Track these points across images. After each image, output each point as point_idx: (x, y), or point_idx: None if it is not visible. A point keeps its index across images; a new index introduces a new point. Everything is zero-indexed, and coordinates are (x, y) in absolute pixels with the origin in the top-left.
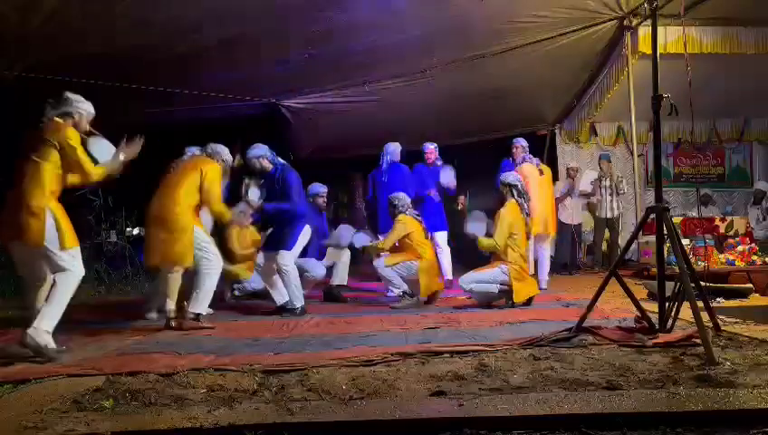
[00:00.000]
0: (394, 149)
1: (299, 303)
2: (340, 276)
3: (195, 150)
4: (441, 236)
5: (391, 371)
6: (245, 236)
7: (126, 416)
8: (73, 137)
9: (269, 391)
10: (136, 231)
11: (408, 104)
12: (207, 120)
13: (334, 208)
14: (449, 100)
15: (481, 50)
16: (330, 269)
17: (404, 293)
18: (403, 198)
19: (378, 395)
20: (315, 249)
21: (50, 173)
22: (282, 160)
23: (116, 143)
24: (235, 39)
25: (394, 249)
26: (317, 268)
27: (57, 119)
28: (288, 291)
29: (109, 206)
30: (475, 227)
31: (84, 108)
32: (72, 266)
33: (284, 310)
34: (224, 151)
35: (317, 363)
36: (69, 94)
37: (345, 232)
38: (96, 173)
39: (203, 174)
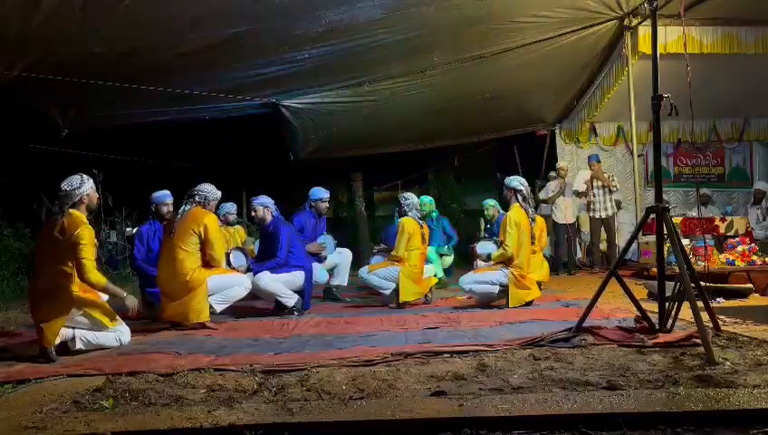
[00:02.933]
0: None
1: (291, 301)
2: (341, 277)
3: (167, 197)
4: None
5: (391, 371)
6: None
7: (126, 416)
8: (86, 236)
9: (269, 391)
10: (135, 231)
11: (407, 104)
12: (207, 120)
13: (334, 208)
14: (449, 100)
15: (481, 50)
16: (330, 270)
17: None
18: (410, 198)
19: (378, 395)
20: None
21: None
22: (279, 215)
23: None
24: (235, 39)
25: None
26: (319, 274)
27: (72, 211)
28: (277, 294)
29: (109, 206)
30: (484, 247)
31: (85, 189)
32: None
33: (281, 309)
34: (211, 192)
35: (317, 363)
36: (64, 186)
37: (328, 243)
38: (95, 277)
39: (204, 232)
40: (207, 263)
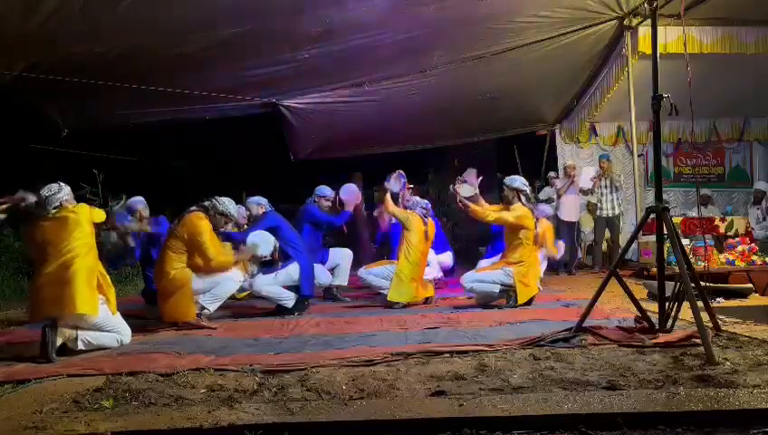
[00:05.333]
0: None
1: (291, 302)
2: (341, 277)
3: (139, 203)
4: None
5: (391, 371)
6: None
7: (126, 416)
8: (86, 212)
9: (269, 391)
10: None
11: (407, 104)
12: (208, 120)
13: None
14: (449, 100)
15: (481, 50)
16: (331, 270)
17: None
18: (412, 199)
19: (378, 395)
20: (319, 253)
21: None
22: (273, 211)
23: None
24: (235, 39)
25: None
26: (322, 275)
27: (55, 212)
28: (275, 299)
29: (108, 206)
30: (464, 189)
31: (62, 195)
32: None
33: (282, 310)
34: (222, 202)
35: (317, 363)
36: (44, 192)
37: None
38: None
39: (187, 235)
40: (196, 267)
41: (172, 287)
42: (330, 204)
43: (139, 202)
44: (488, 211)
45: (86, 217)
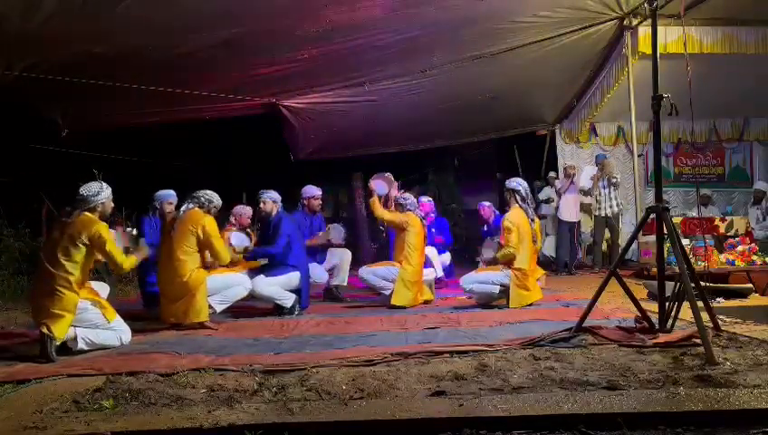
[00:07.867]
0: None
1: (289, 302)
2: (341, 277)
3: (171, 196)
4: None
5: (391, 371)
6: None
7: (126, 416)
8: (104, 232)
9: (269, 391)
10: (135, 232)
11: (408, 104)
12: (208, 120)
13: (334, 208)
14: (449, 100)
15: (481, 50)
16: (330, 270)
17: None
18: (409, 198)
19: (378, 395)
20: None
21: (80, 265)
22: (283, 210)
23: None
24: (235, 39)
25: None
26: (318, 274)
27: (87, 213)
28: (275, 298)
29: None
30: (487, 252)
31: (101, 197)
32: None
33: (281, 310)
34: (214, 197)
35: (317, 363)
36: (83, 191)
37: (336, 232)
38: (127, 263)
39: (202, 233)
40: (206, 265)
41: (186, 290)
42: (319, 203)
43: (171, 195)
44: (508, 250)
45: (106, 236)
